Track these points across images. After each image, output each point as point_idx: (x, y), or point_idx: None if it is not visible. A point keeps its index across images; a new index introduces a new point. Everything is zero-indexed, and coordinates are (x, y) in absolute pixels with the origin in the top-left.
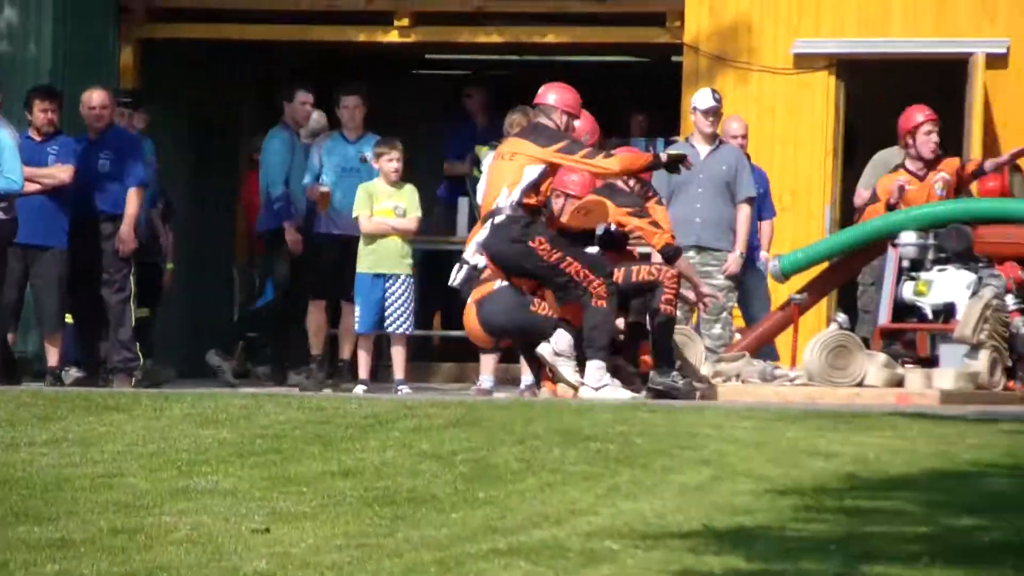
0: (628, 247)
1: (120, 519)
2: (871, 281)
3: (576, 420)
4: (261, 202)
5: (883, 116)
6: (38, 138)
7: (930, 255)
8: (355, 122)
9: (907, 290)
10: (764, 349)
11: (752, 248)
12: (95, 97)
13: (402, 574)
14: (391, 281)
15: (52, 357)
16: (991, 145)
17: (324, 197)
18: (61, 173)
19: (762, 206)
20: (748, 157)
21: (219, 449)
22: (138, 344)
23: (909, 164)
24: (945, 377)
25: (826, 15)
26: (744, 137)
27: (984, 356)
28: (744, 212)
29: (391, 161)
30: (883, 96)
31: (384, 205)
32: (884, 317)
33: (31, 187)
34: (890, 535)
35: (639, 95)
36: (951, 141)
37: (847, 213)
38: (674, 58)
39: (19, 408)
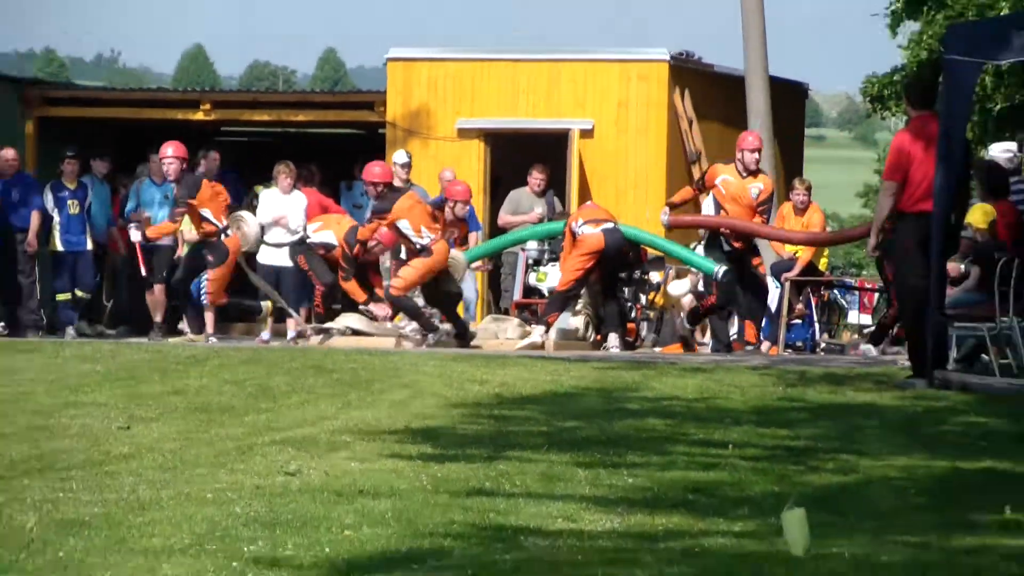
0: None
1: (33, 420)
2: (509, 272)
3: (322, 359)
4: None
5: (518, 169)
6: None
7: (546, 256)
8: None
9: (531, 278)
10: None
11: None
12: (8, 153)
13: (214, 455)
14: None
15: None
16: (583, 189)
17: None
18: None
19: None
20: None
21: (96, 377)
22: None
23: (738, 166)
24: (555, 332)
25: (478, 102)
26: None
27: (580, 320)
28: None
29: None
30: (518, 156)
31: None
32: (517, 295)
33: None
34: (522, 432)
35: (360, 154)
36: (558, 184)
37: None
38: (380, 131)
39: None
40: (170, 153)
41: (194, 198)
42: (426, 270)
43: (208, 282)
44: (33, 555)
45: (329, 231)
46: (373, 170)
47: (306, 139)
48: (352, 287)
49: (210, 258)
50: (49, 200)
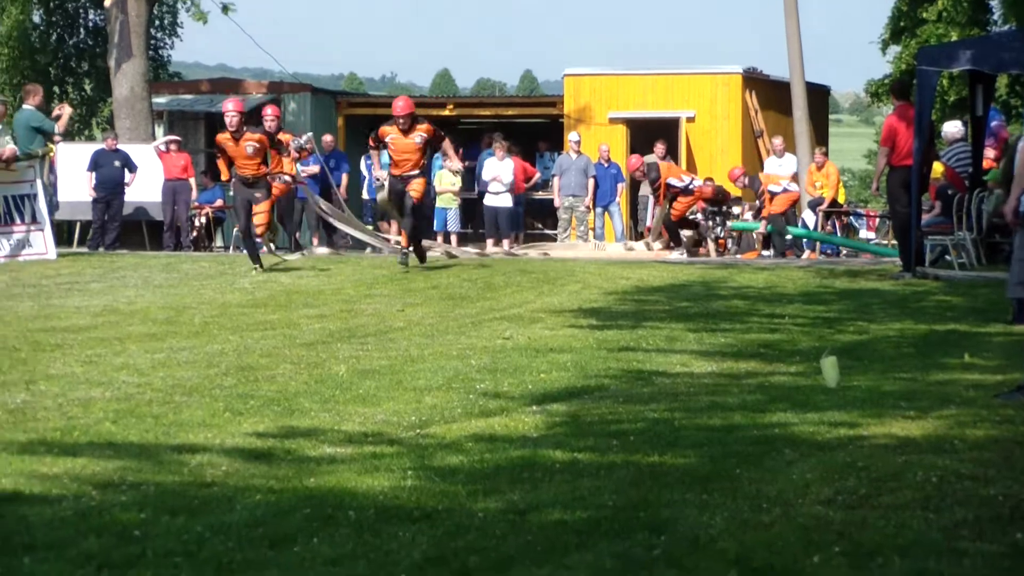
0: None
1: (343, 306)
2: (643, 207)
3: (525, 264)
4: None
5: (647, 142)
6: None
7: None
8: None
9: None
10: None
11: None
12: (328, 137)
13: (457, 327)
14: None
15: None
16: (689, 156)
17: None
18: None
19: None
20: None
21: (383, 278)
22: None
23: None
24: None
25: (621, 100)
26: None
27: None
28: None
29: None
30: (646, 134)
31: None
32: (650, 222)
33: None
34: (653, 310)
35: (546, 135)
36: (672, 152)
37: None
38: (559, 120)
39: None
40: (231, 108)
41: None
42: None
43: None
44: (343, 392)
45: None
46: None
47: (512, 126)
48: None
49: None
50: (363, 166)
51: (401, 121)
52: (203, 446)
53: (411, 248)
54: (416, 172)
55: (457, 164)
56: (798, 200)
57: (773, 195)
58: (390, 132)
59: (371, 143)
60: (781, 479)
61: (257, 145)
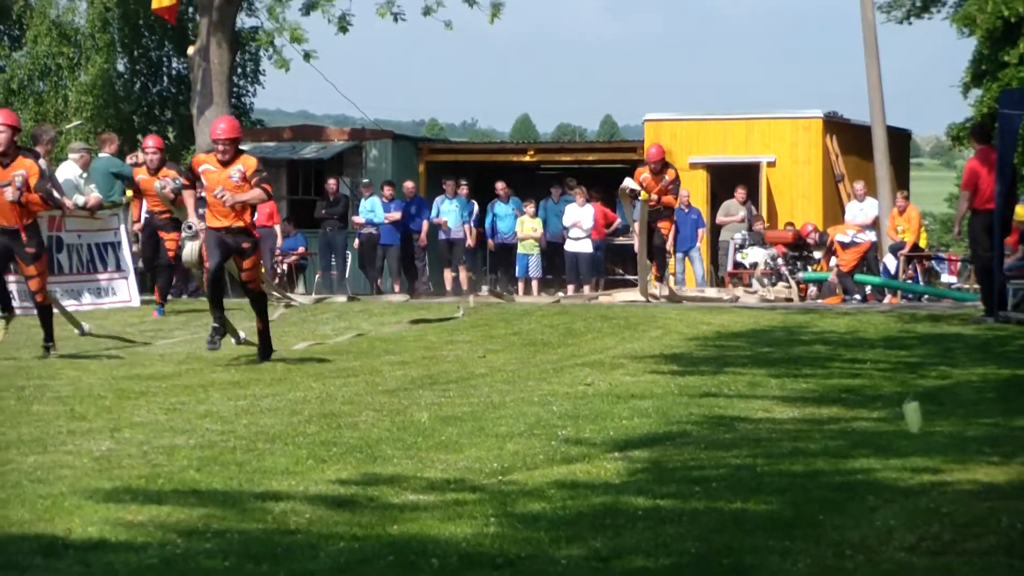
0: None
1: (424, 353)
2: (724, 251)
3: (606, 311)
4: None
5: (727, 187)
6: None
7: (747, 240)
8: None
9: (738, 256)
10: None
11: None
12: (409, 184)
13: (539, 373)
14: None
15: None
16: (769, 201)
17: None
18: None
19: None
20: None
21: (464, 324)
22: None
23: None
24: (753, 296)
25: (701, 145)
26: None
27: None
28: None
29: None
30: (726, 179)
31: None
32: (729, 267)
33: None
34: (734, 355)
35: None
36: (752, 197)
37: (711, 226)
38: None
39: None
40: (150, 145)
41: None
42: None
43: None
44: (426, 438)
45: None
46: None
47: (593, 172)
48: None
49: None
50: (434, 210)
51: (220, 148)
52: (286, 493)
53: (222, 327)
54: (241, 227)
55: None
56: (868, 250)
57: (843, 245)
58: (204, 162)
59: (184, 180)
60: (864, 525)
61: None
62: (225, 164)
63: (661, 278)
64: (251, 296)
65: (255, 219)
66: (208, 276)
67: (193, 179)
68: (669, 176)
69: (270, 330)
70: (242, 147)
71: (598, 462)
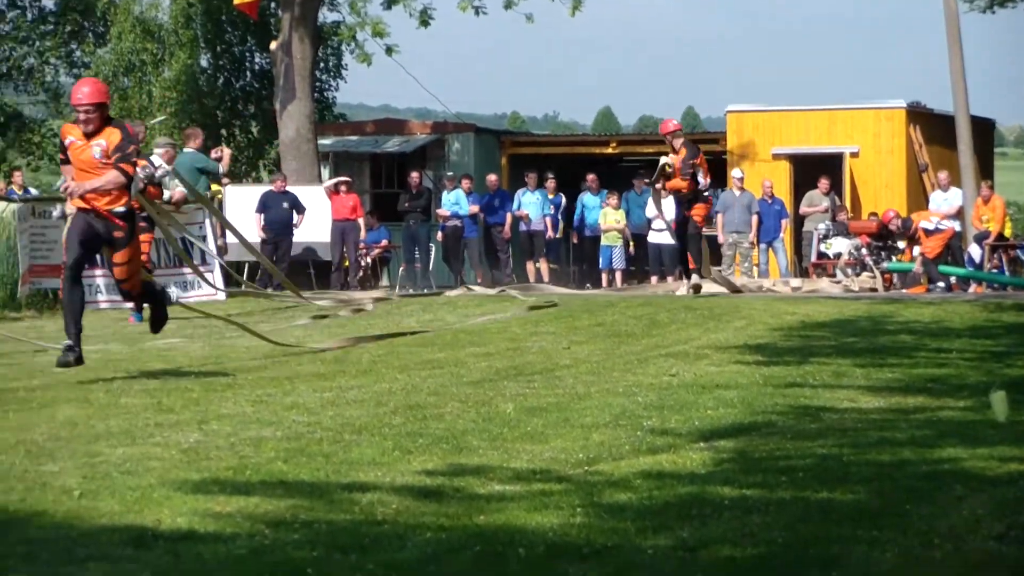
0: None
1: (509, 344)
2: (808, 243)
3: (691, 301)
4: None
5: (810, 178)
6: None
7: (831, 231)
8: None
9: (822, 247)
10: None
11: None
12: (492, 177)
13: (623, 364)
14: None
15: None
16: (853, 192)
17: None
18: None
19: (782, 212)
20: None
21: (549, 315)
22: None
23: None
24: (838, 287)
25: (784, 136)
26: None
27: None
28: None
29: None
30: (810, 170)
31: None
32: (813, 258)
33: None
34: (819, 345)
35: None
36: (836, 187)
37: (795, 217)
38: (723, 156)
39: None
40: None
41: None
42: None
43: None
44: (511, 429)
45: None
46: (669, 125)
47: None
48: None
49: None
50: (515, 202)
51: (82, 117)
52: (373, 484)
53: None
54: (122, 210)
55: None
56: (952, 237)
57: (927, 232)
58: (70, 133)
59: (60, 154)
60: (952, 514)
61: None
62: (89, 136)
63: (699, 271)
64: (127, 298)
65: (130, 199)
66: (64, 275)
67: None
68: (680, 155)
69: (165, 314)
70: (325, 140)
71: (684, 452)
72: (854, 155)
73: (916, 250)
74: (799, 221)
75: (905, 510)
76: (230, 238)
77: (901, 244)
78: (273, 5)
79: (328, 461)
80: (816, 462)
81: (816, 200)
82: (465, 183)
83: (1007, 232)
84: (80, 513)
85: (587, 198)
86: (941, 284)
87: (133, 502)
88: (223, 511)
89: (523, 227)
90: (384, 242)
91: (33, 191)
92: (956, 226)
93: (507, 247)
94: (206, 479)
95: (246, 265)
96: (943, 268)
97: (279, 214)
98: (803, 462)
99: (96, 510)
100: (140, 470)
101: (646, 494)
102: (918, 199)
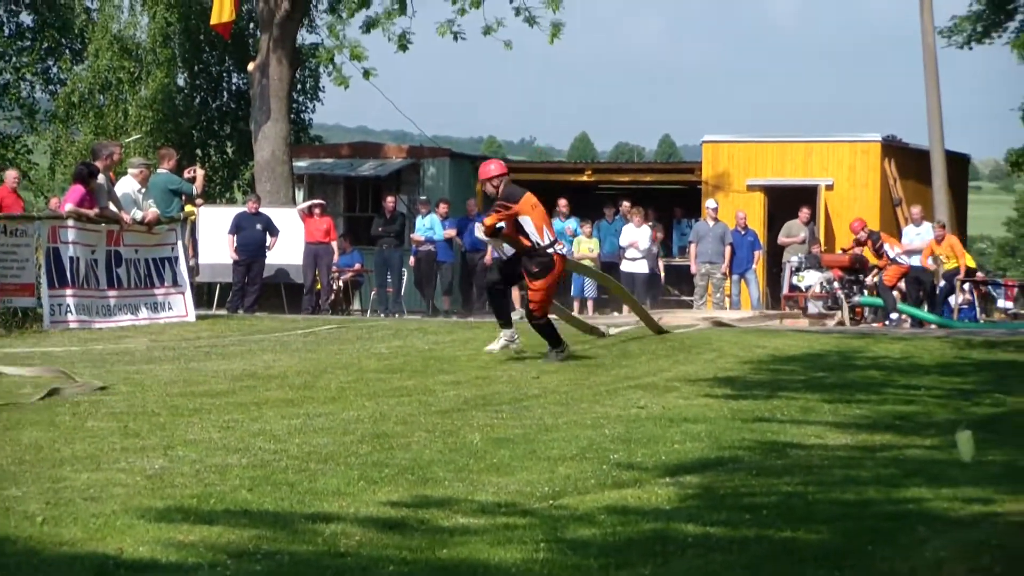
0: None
1: (478, 373)
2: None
3: (659, 338)
4: None
5: (786, 210)
6: None
7: (804, 263)
8: None
9: (794, 279)
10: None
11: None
12: (472, 203)
13: (592, 395)
14: None
15: None
16: (827, 223)
17: None
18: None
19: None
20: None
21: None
22: None
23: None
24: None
25: (759, 168)
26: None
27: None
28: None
29: None
30: (785, 202)
31: None
32: (785, 290)
33: None
34: (787, 380)
35: (683, 202)
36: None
37: (771, 247)
38: (697, 187)
39: None
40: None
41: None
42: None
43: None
44: (477, 460)
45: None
46: (489, 168)
47: (650, 192)
48: None
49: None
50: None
51: None
52: (337, 515)
53: None
54: None
55: None
56: (907, 272)
57: (889, 259)
58: None
59: None
60: (914, 556)
61: None
62: None
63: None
64: None
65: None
66: None
67: None
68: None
69: None
70: (300, 163)
71: (649, 487)
72: (829, 188)
73: (875, 276)
74: (773, 252)
75: (868, 551)
76: (203, 258)
77: (872, 279)
78: (252, 26)
79: (293, 490)
80: (781, 500)
81: (795, 230)
82: (442, 207)
83: (970, 263)
84: (43, 539)
85: (555, 223)
86: (894, 316)
87: (96, 529)
88: (186, 540)
89: (494, 254)
90: (357, 266)
91: None
92: (914, 262)
93: (483, 274)
94: (170, 507)
95: (218, 286)
96: (903, 307)
97: (252, 235)
98: (768, 500)
99: (59, 537)
100: (104, 496)
101: (610, 530)
102: (892, 233)
